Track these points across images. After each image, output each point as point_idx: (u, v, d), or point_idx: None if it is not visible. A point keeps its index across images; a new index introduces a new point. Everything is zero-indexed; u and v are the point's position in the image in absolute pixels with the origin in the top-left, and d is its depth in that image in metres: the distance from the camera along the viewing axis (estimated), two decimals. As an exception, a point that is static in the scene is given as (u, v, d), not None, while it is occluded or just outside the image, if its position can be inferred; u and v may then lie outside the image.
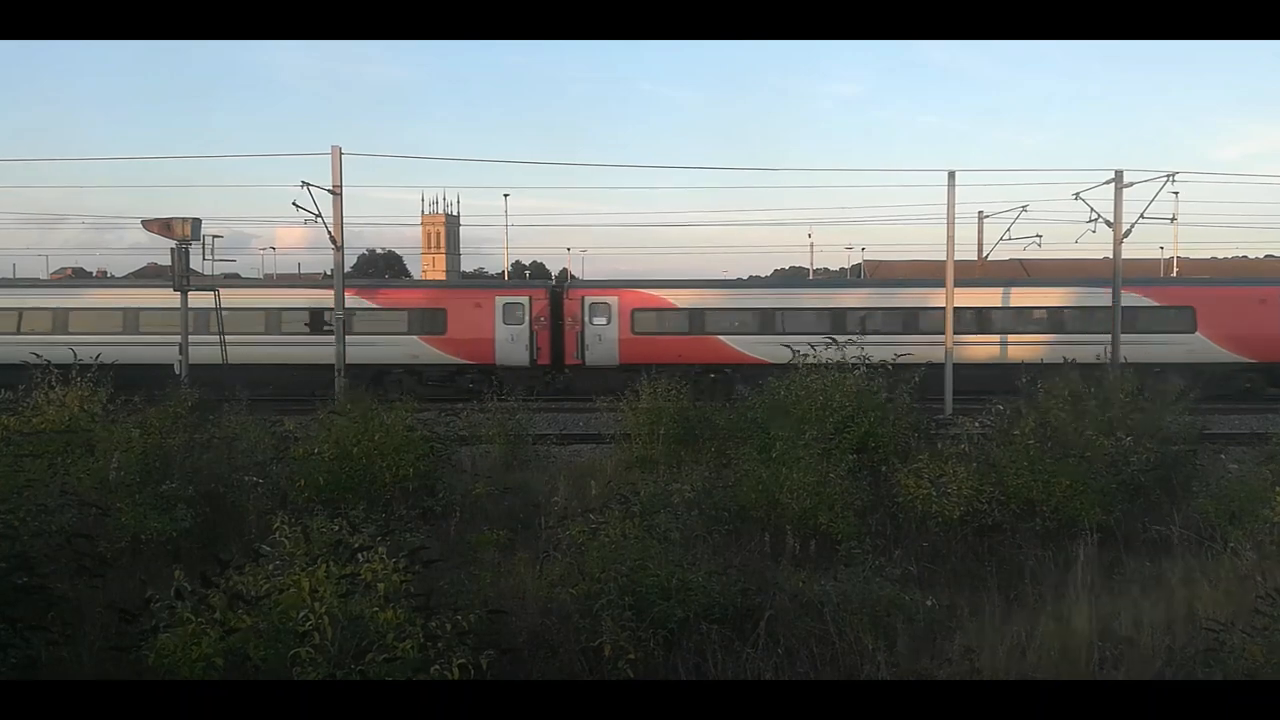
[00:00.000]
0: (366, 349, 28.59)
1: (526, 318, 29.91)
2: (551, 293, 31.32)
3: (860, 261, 48.04)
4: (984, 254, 38.92)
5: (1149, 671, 7.49)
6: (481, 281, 30.92)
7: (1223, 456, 14.42)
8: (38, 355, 15.96)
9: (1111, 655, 7.78)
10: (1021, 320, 29.40)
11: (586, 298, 30.30)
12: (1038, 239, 33.42)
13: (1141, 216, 26.98)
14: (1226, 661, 6.99)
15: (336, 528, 7.73)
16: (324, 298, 28.57)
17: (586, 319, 29.80)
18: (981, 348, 28.75)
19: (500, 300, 30.27)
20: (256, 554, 7.40)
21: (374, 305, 30.53)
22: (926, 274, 32.94)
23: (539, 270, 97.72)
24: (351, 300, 28.26)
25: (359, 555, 7.06)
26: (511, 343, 29.75)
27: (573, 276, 69.54)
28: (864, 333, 25.82)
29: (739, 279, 38.63)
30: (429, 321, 30.04)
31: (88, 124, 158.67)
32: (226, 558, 7.43)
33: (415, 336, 29.86)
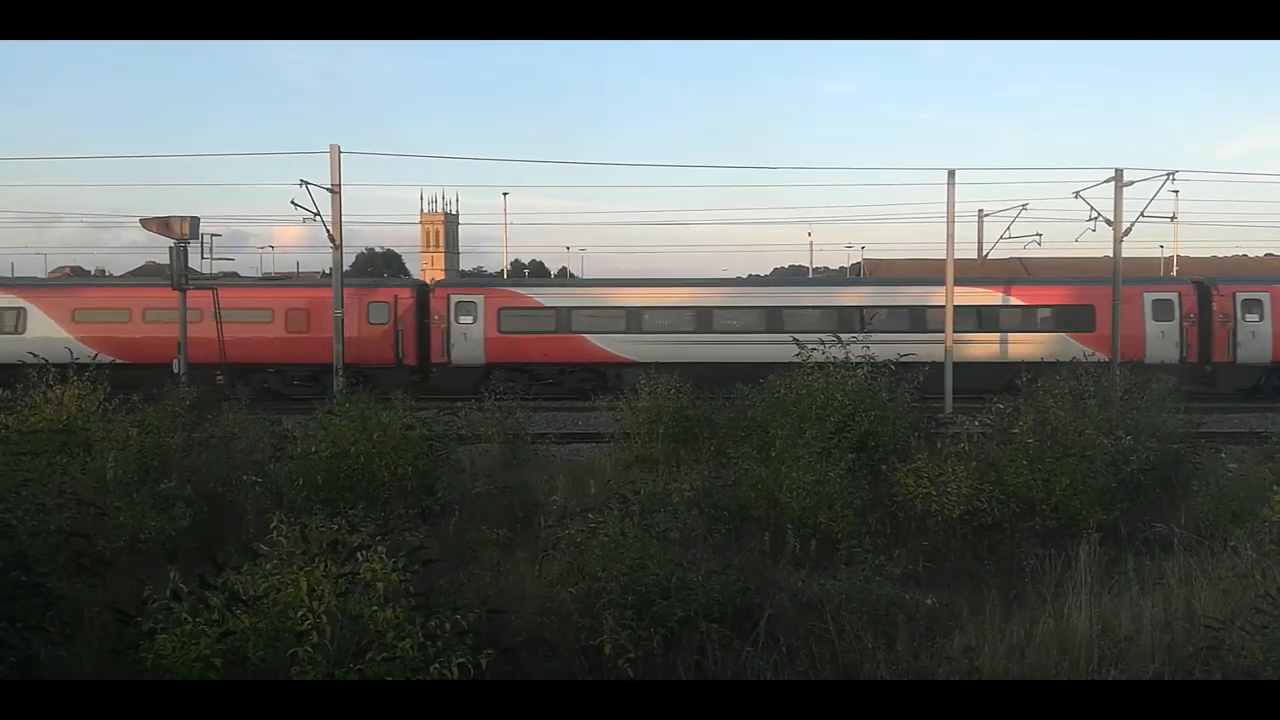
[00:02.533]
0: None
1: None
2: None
3: (860, 260, 47.99)
4: (984, 253, 38.88)
5: (1148, 670, 7.49)
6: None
7: (1222, 455, 14.42)
8: (35, 354, 15.96)
9: (1111, 654, 7.76)
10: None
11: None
12: (1038, 238, 33.36)
13: (1141, 215, 27.00)
14: (1226, 660, 7.00)
15: (335, 527, 7.72)
16: None
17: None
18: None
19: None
20: (254, 553, 7.38)
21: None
22: (924, 272, 32.90)
23: (538, 269, 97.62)
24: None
25: (357, 554, 7.04)
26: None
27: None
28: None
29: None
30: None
31: (85, 122, 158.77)
32: (224, 557, 7.42)
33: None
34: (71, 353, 16.25)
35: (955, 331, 26.59)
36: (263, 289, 32.30)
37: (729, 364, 27.08)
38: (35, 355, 15.95)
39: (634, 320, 29.78)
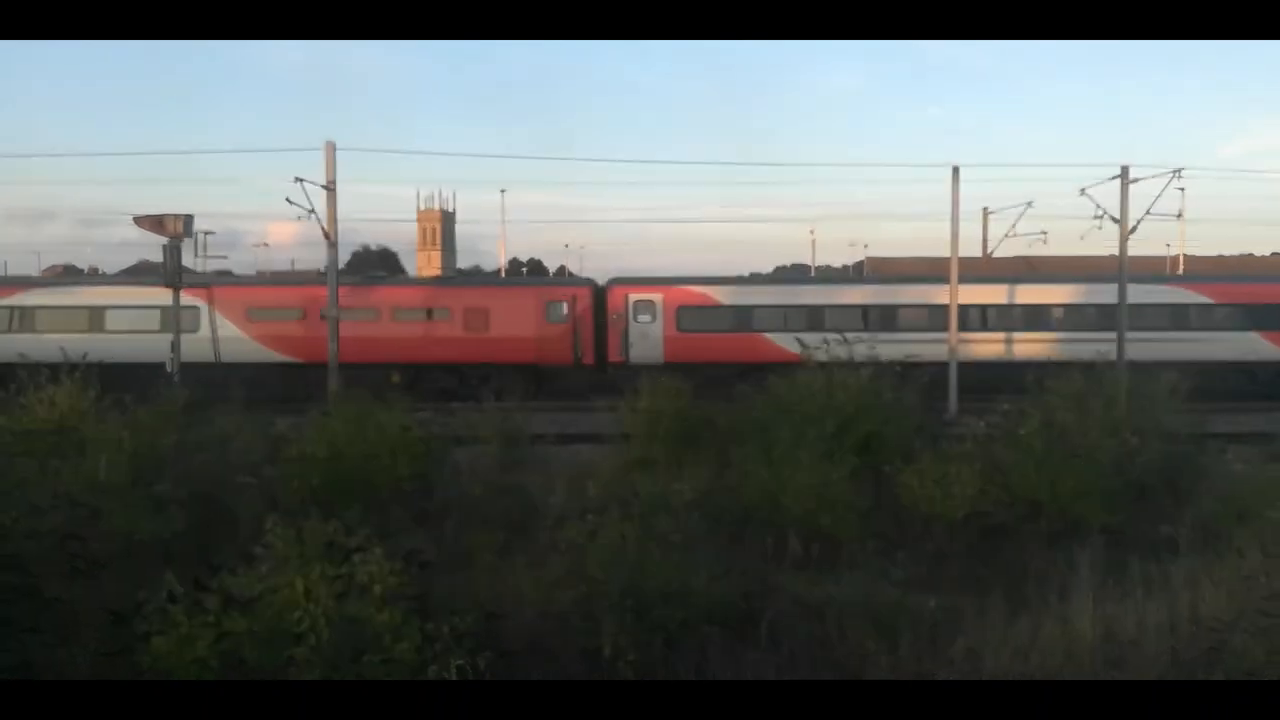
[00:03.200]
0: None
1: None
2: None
3: (863, 258, 47.91)
4: (989, 250, 38.80)
5: (1152, 674, 7.44)
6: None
7: (1228, 456, 14.36)
8: (24, 355, 15.83)
9: (1115, 657, 7.71)
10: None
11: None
12: (1043, 235, 33.26)
13: (1147, 213, 26.88)
14: (1229, 662, 6.94)
15: (330, 529, 7.64)
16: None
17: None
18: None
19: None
20: (250, 556, 7.31)
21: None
22: (929, 271, 32.77)
23: (536, 267, 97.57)
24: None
25: (353, 557, 6.98)
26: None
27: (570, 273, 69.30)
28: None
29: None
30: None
31: (78, 119, 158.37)
32: (219, 560, 7.35)
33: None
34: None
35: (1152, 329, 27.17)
36: (442, 288, 32.11)
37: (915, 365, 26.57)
38: (24, 356, 15.78)
39: (815, 318, 28.59)
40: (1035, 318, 29.46)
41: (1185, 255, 50.20)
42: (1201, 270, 44.33)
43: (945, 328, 26.33)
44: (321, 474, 12.53)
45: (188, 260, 24.79)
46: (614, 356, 29.19)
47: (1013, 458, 12.54)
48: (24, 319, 28.86)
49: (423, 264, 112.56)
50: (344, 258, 57.32)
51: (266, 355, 28.56)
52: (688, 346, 28.75)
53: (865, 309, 29.16)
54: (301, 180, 24.15)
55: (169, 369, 23.37)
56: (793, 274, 27.61)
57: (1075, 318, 28.92)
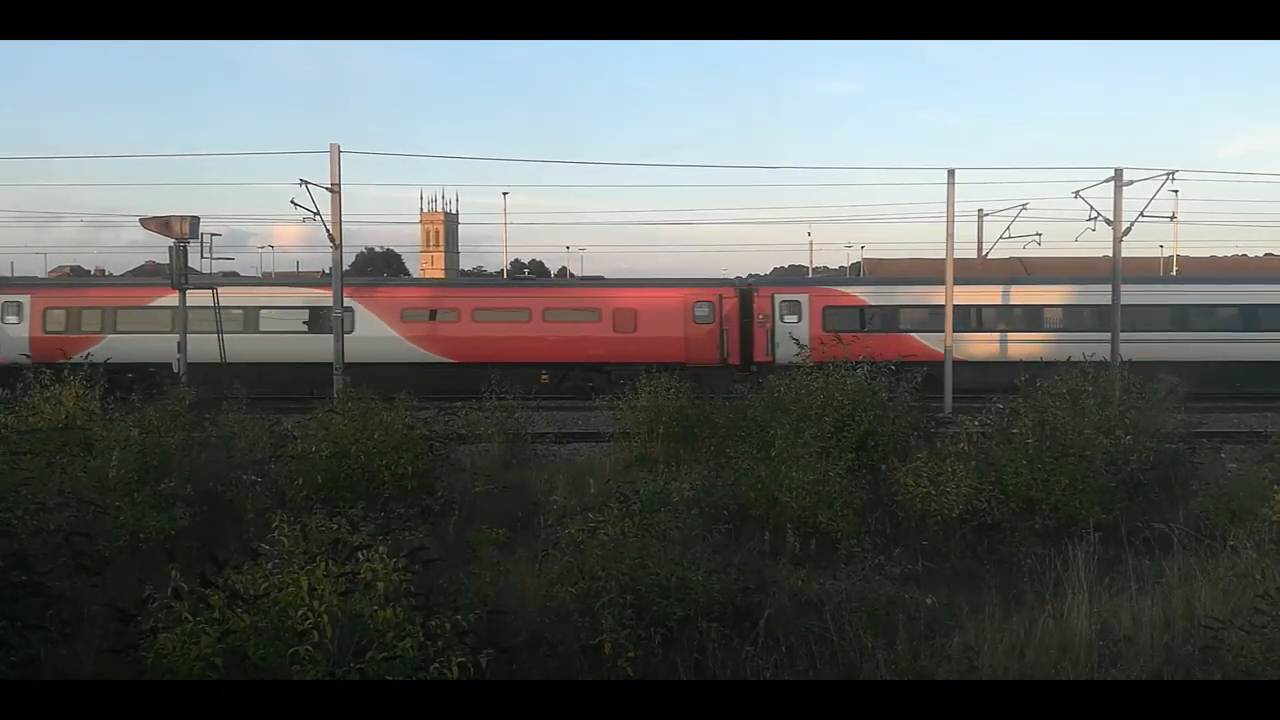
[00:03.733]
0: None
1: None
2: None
3: (860, 260, 47.94)
4: (984, 252, 38.84)
5: (1147, 669, 7.49)
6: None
7: (1222, 455, 14.42)
8: (27, 355, 15.93)
9: (1110, 653, 7.77)
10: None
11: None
12: (1037, 237, 33.31)
13: (1141, 215, 26.99)
14: (1225, 659, 7.00)
15: (335, 526, 7.73)
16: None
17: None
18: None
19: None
20: (255, 553, 7.38)
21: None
22: (926, 272, 32.84)
23: (538, 268, 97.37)
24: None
25: (358, 554, 7.04)
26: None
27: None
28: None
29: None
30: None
31: (84, 121, 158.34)
32: (225, 557, 7.42)
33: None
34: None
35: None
36: (592, 290, 32.18)
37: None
38: (27, 356, 15.88)
39: (961, 318, 28.78)
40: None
41: (1179, 256, 50.22)
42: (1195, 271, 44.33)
43: (1098, 327, 27.10)
44: (325, 471, 12.61)
45: (194, 262, 24.83)
46: (760, 356, 29.44)
47: (1007, 455, 12.60)
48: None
49: (426, 265, 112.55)
50: (348, 259, 57.40)
51: (419, 355, 29.01)
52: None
53: (1017, 309, 29.82)
54: (306, 182, 24.25)
55: (175, 369, 23.47)
56: (929, 276, 27.90)
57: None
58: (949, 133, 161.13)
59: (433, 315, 29.97)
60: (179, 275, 23.07)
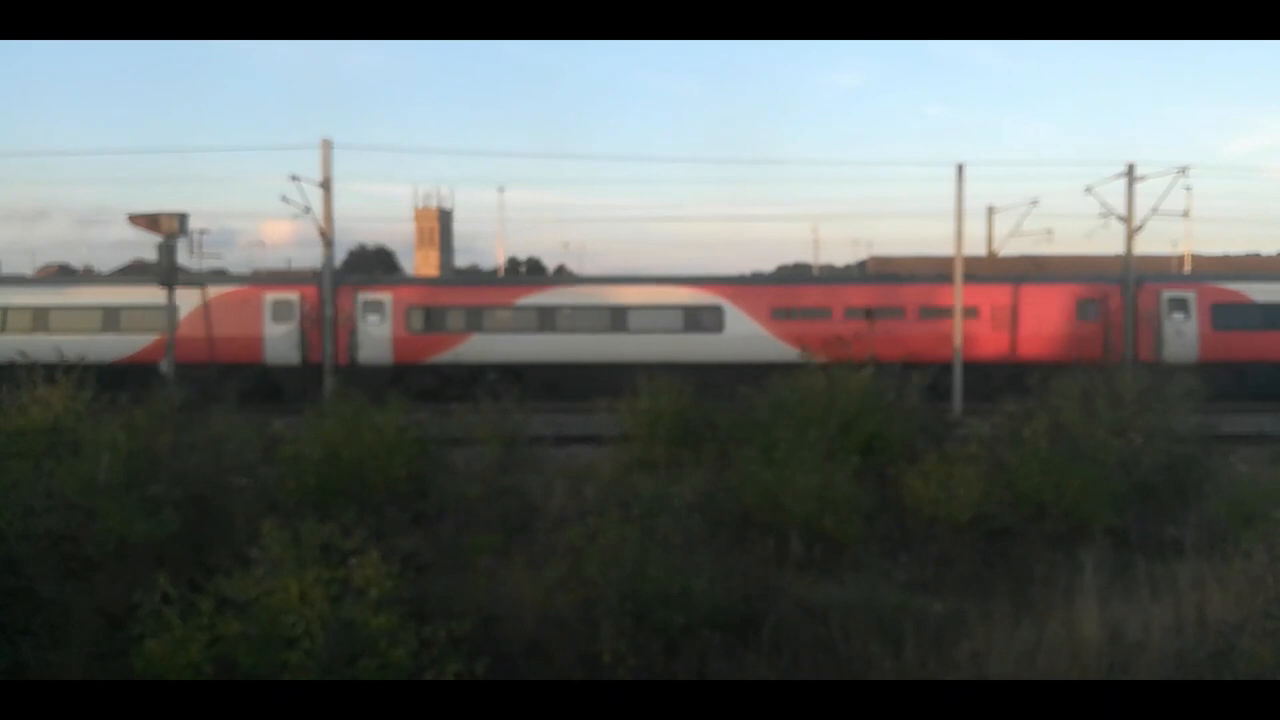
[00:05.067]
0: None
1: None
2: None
3: (867, 258, 47.88)
4: (994, 248, 38.75)
5: (1158, 676, 7.38)
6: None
7: (1232, 458, 14.28)
8: (24, 354, 15.73)
9: (1121, 660, 7.62)
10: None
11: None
12: (1049, 234, 33.18)
13: (1154, 211, 26.83)
14: (1236, 665, 6.86)
15: (327, 531, 7.56)
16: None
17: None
18: None
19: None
20: (245, 559, 7.23)
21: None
22: (933, 270, 32.69)
23: (535, 266, 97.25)
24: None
25: (349, 559, 6.89)
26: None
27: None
28: None
29: None
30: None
31: (71, 117, 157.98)
32: (213, 562, 7.29)
33: None
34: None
35: None
36: (973, 286, 30.27)
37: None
38: (24, 354, 15.64)
39: None
40: None
41: (1192, 254, 50.18)
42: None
43: None
44: (317, 475, 12.42)
45: (182, 259, 24.62)
46: (1144, 355, 28.29)
47: (1018, 459, 12.43)
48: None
49: (420, 263, 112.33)
50: (340, 257, 57.21)
51: (789, 354, 27.36)
52: (1224, 345, 28.24)
53: None
54: (297, 178, 24.05)
55: (163, 369, 23.21)
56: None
57: None
58: (957, 127, 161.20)
59: (803, 313, 29.01)
60: (167, 272, 22.85)
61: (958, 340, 25.82)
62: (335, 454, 12.71)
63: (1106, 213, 26.73)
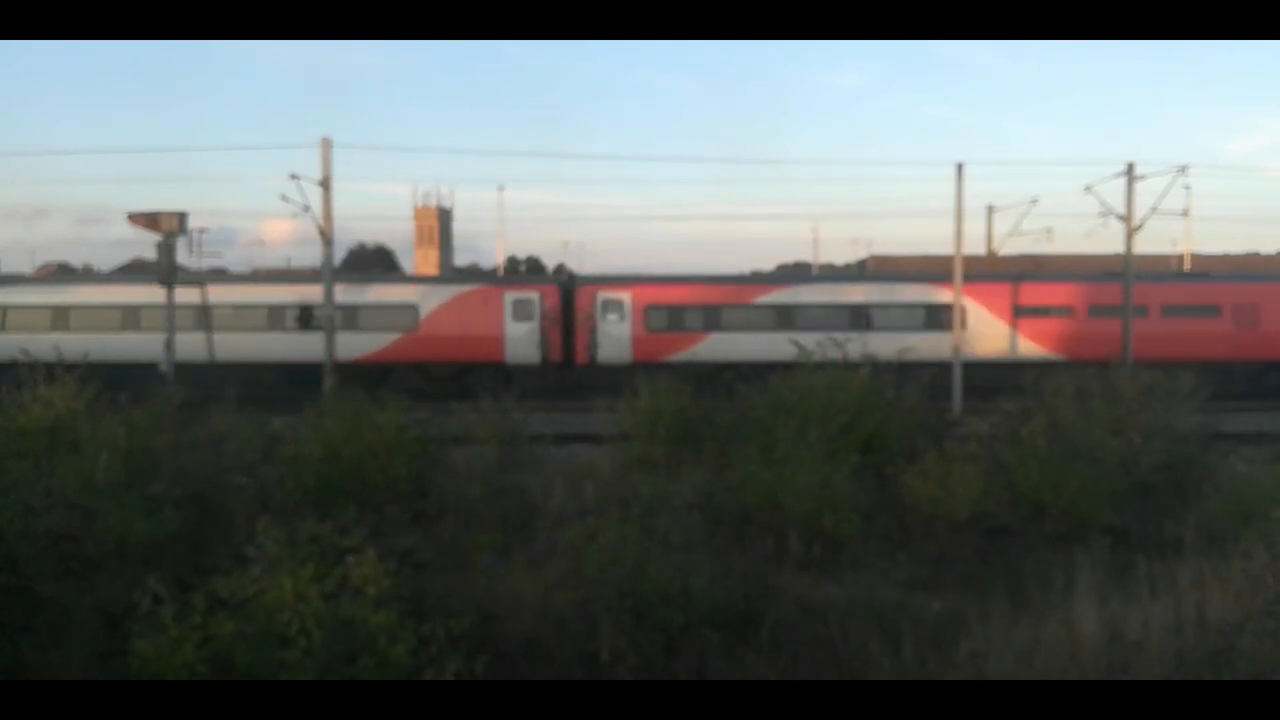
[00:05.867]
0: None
1: None
2: None
3: (867, 257, 47.91)
4: (994, 247, 38.73)
5: (1158, 676, 7.38)
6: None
7: (1231, 457, 14.29)
8: (27, 353, 15.72)
9: (1120, 660, 7.63)
10: None
11: None
12: (1048, 233, 33.17)
13: (1154, 210, 26.81)
14: (1236, 664, 6.87)
15: (323, 530, 7.57)
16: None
17: None
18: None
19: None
20: (241, 558, 7.24)
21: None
22: (934, 269, 32.62)
23: (534, 265, 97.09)
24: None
25: (346, 557, 6.90)
26: None
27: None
28: None
29: None
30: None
31: (72, 117, 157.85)
32: (213, 561, 7.30)
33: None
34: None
35: None
36: (1212, 285, 30.36)
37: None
38: (27, 353, 15.64)
39: None
40: None
41: (1191, 254, 50.17)
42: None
43: None
44: (316, 474, 12.43)
45: (182, 258, 24.59)
46: None
47: (1016, 458, 12.44)
48: None
49: (420, 262, 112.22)
50: (340, 256, 57.24)
51: (1034, 353, 27.84)
52: None
53: None
54: (297, 177, 24.05)
55: (163, 368, 23.19)
56: None
57: None
58: (957, 127, 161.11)
59: (1047, 311, 28.57)
60: (167, 272, 22.83)
61: (955, 339, 25.79)
62: (335, 453, 12.72)
63: (1106, 212, 26.68)
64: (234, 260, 72.71)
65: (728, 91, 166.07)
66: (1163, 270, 32.87)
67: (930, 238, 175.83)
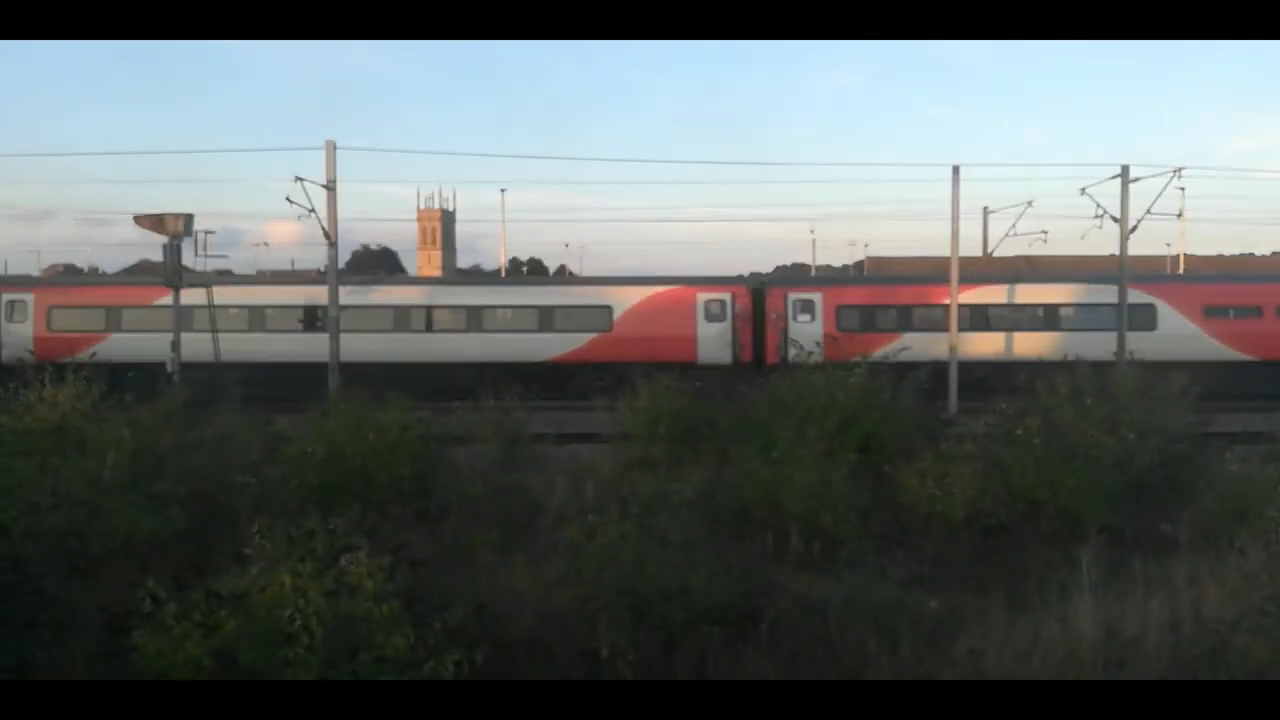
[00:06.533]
0: None
1: None
2: None
3: (864, 258, 47.90)
4: (989, 250, 38.76)
5: (1154, 673, 7.43)
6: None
7: (1228, 455, 14.34)
8: (32, 353, 15.82)
9: (1116, 657, 7.69)
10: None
11: None
12: (1043, 235, 33.23)
13: (1148, 212, 26.88)
14: (1232, 662, 6.93)
15: (319, 528, 7.65)
16: None
17: None
18: None
19: None
20: (242, 556, 7.32)
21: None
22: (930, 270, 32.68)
23: (536, 266, 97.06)
24: None
25: (343, 555, 6.98)
26: None
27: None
28: None
29: None
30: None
31: (77, 117, 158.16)
32: (217, 559, 7.37)
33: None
34: None
35: None
36: (1259, 285, 30.70)
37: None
38: (32, 354, 15.75)
39: None
40: None
41: (1185, 255, 50.21)
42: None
43: None
44: (320, 473, 12.51)
45: (188, 259, 24.69)
46: None
47: (1012, 457, 12.50)
48: None
49: (423, 263, 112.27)
50: (343, 257, 57.20)
51: (1225, 354, 27.92)
52: None
53: None
54: (301, 179, 24.15)
55: (169, 368, 23.29)
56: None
57: None
58: (953, 129, 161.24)
59: (1236, 312, 28.73)
60: (173, 273, 22.93)
61: (952, 339, 25.83)
62: (339, 453, 12.80)
63: (1101, 214, 26.79)
64: (239, 262, 72.57)
65: (727, 93, 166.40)
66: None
67: (926, 239, 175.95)
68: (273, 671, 6.30)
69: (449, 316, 29.18)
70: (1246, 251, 56.50)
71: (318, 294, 26.87)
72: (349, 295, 27.31)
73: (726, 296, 28.56)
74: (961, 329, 26.23)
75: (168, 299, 23.77)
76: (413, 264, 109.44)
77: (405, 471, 13.00)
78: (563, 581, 8.86)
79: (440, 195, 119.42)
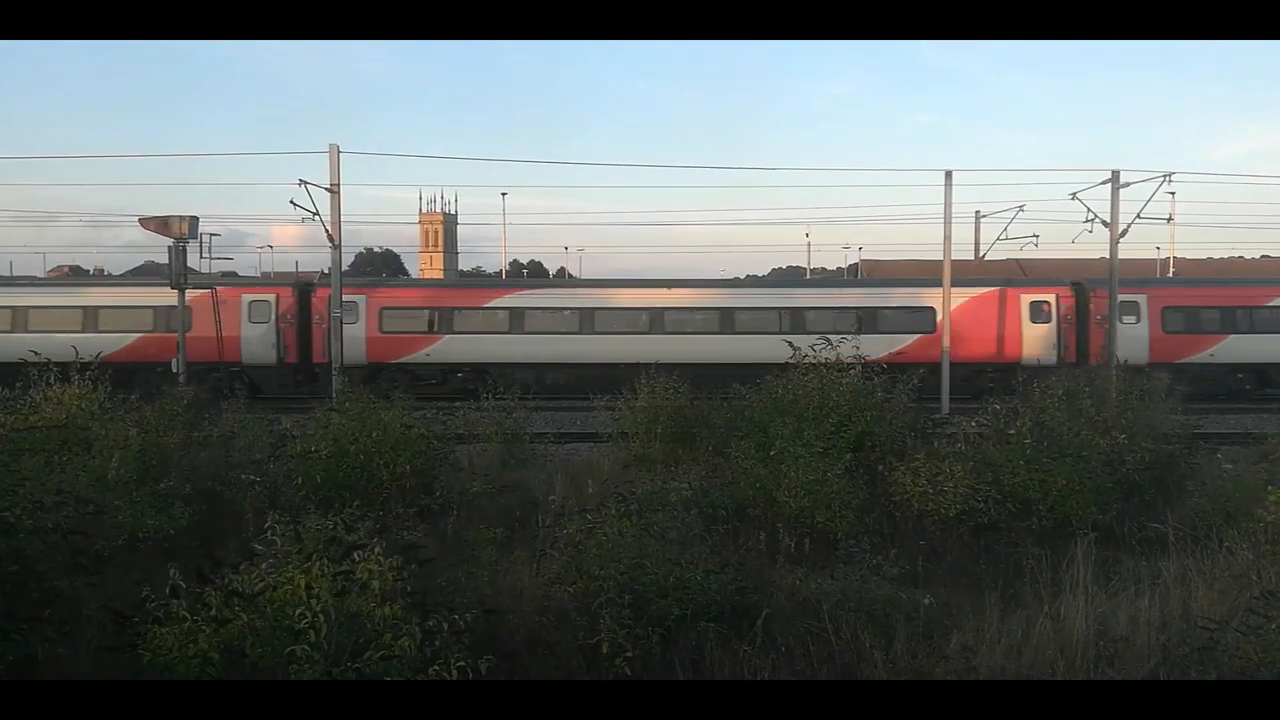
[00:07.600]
0: None
1: None
2: None
3: (858, 261, 48.05)
4: (981, 254, 38.91)
5: (1144, 670, 7.51)
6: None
7: (1218, 456, 14.45)
8: (36, 353, 15.92)
9: (1107, 654, 7.79)
10: None
11: None
12: (1035, 239, 33.38)
13: (1138, 217, 27.06)
14: (1221, 660, 7.02)
15: (331, 525, 7.74)
16: None
17: None
18: None
19: None
20: (251, 553, 7.40)
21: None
22: (922, 273, 32.79)
23: (536, 269, 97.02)
24: None
25: (354, 553, 7.05)
26: None
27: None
28: None
29: None
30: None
31: (83, 121, 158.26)
32: (223, 556, 7.43)
33: None
34: None
35: None
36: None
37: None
38: (36, 353, 15.85)
39: None
40: None
41: (1175, 258, 50.35)
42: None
43: None
44: (324, 471, 12.62)
45: (193, 262, 24.81)
46: None
47: (1004, 456, 12.62)
48: None
49: (425, 266, 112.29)
50: (347, 260, 57.15)
51: None
52: None
53: None
54: (305, 183, 24.29)
55: (175, 369, 23.42)
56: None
57: None
58: (945, 134, 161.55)
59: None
60: (178, 275, 23.06)
61: (945, 341, 26.00)
62: (343, 450, 12.90)
63: (1091, 218, 26.96)
64: (243, 264, 72.54)
65: (724, 99, 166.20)
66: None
67: (919, 243, 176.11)
68: (278, 668, 6.36)
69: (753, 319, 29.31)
70: (1235, 254, 56.56)
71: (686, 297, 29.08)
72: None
73: (1051, 298, 28.82)
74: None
75: (504, 300, 26.28)
76: (414, 266, 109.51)
77: (408, 468, 13.11)
78: (562, 577, 8.96)
79: (441, 198, 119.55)
